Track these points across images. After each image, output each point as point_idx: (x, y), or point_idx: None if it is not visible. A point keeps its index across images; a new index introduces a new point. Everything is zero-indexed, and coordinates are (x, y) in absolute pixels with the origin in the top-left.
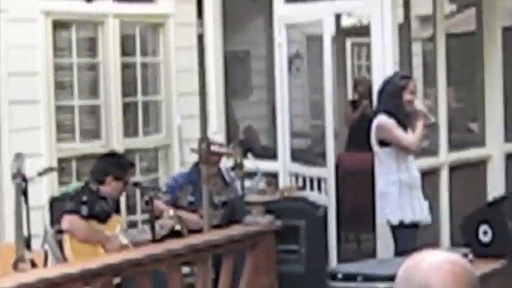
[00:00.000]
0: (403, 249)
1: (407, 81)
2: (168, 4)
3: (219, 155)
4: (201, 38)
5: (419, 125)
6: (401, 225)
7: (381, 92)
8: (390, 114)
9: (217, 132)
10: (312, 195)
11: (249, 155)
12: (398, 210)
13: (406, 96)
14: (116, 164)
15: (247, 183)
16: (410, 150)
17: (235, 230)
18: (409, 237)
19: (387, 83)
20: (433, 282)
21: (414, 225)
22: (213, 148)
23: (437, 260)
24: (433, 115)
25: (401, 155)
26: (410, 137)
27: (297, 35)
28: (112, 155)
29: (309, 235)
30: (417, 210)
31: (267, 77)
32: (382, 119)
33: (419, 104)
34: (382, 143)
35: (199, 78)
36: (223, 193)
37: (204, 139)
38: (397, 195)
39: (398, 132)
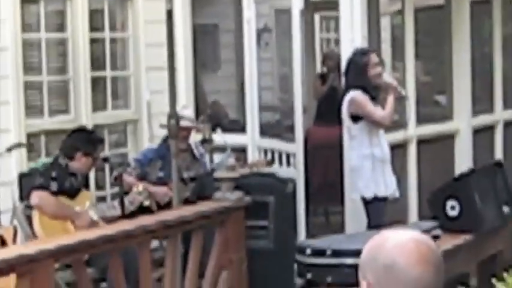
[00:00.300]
0: (376, 223)
1: (368, 57)
2: None
3: (189, 129)
4: (170, 13)
5: (390, 98)
6: (375, 199)
7: (347, 72)
8: (362, 89)
9: (186, 106)
10: (281, 170)
11: (218, 129)
12: (372, 184)
13: (371, 71)
14: (85, 140)
15: (217, 158)
16: (383, 124)
17: (206, 206)
18: (382, 211)
19: (350, 62)
20: (398, 260)
21: (385, 199)
22: (183, 123)
23: (402, 239)
24: (402, 88)
25: (374, 130)
26: (382, 111)
27: (265, 9)
28: (82, 130)
29: (278, 211)
30: (389, 184)
31: (235, 51)
32: (354, 94)
33: (388, 77)
34: (355, 118)
35: (168, 53)
36: (192, 168)
37: (173, 114)
38: (371, 169)
39: (370, 107)
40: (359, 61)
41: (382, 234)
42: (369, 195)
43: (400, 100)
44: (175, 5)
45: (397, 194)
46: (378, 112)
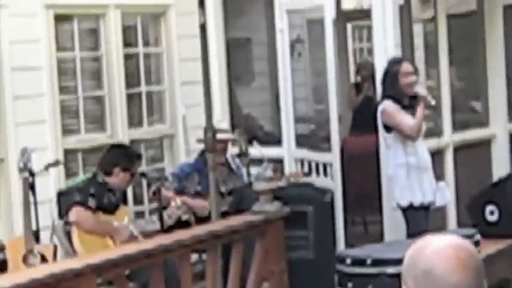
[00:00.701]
0: (415, 231)
1: (398, 66)
2: None
3: (226, 142)
4: (203, 27)
5: (419, 109)
6: (411, 207)
7: (383, 81)
8: (394, 99)
9: (221, 120)
10: (318, 181)
11: (254, 142)
12: (408, 193)
13: (403, 80)
14: (123, 155)
15: (254, 170)
16: (411, 135)
17: (238, 220)
18: (421, 219)
19: (385, 72)
20: (436, 266)
21: (425, 208)
22: (220, 135)
23: (441, 245)
24: (434, 97)
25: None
26: (410, 122)
27: (297, 20)
28: (119, 146)
29: (317, 220)
30: (427, 192)
31: (268, 63)
32: (385, 104)
33: (419, 87)
34: (387, 128)
35: (203, 67)
36: (229, 181)
37: (209, 128)
38: (406, 177)
39: (399, 117)
40: (391, 70)
41: (423, 240)
42: (404, 203)
43: (433, 108)
44: (208, 19)
45: (442, 202)
46: (406, 123)
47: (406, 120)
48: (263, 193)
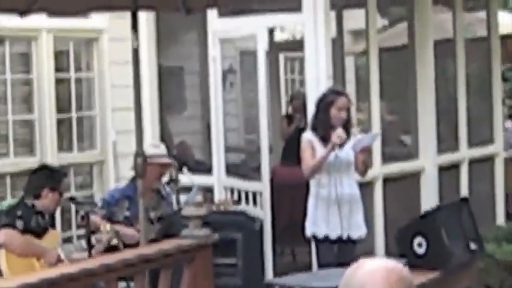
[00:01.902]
0: (322, 262)
1: (335, 97)
2: (102, 19)
3: (168, 166)
4: (136, 52)
5: (325, 152)
6: (315, 238)
7: (316, 106)
8: (315, 129)
9: (158, 145)
10: (248, 209)
11: (185, 169)
12: (311, 224)
13: (333, 112)
14: (49, 176)
15: (183, 197)
16: (304, 174)
17: (169, 244)
18: (326, 252)
19: (320, 97)
20: (367, 286)
21: (336, 241)
22: (162, 160)
23: (373, 267)
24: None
25: (324, 170)
26: (309, 163)
27: (230, 50)
28: (43, 167)
29: (246, 248)
30: (333, 226)
31: (200, 92)
32: (305, 134)
33: (335, 135)
34: None
35: (135, 92)
36: (159, 208)
37: (140, 154)
38: (314, 208)
39: (305, 153)
40: (326, 98)
41: (358, 262)
42: (308, 233)
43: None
44: (141, 45)
45: (357, 235)
46: (306, 161)
47: (307, 159)
48: (192, 218)
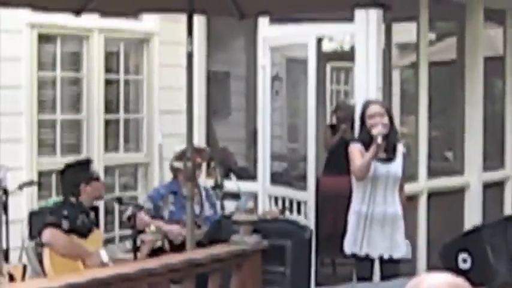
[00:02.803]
0: (361, 279)
1: (365, 107)
2: (153, 22)
3: (202, 153)
4: (190, 56)
5: (371, 149)
6: (354, 256)
7: (353, 124)
8: (358, 141)
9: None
10: (292, 218)
11: (231, 175)
12: (352, 242)
13: (367, 121)
14: (77, 171)
15: (228, 203)
16: (355, 175)
17: (220, 249)
18: (367, 269)
19: (360, 114)
20: None
21: (369, 259)
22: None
23: (435, 282)
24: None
25: (369, 187)
26: (358, 162)
27: (277, 58)
28: (68, 166)
29: (295, 256)
30: (375, 245)
31: (246, 98)
32: (351, 145)
33: (377, 129)
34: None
35: (187, 96)
36: (202, 210)
37: (190, 158)
38: (355, 226)
39: (353, 157)
40: (361, 113)
41: (418, 277)
42: (348, 251)
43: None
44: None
45: (399, 255)
46: (355, 162)
47: (356, 160)
48: (243, 224)
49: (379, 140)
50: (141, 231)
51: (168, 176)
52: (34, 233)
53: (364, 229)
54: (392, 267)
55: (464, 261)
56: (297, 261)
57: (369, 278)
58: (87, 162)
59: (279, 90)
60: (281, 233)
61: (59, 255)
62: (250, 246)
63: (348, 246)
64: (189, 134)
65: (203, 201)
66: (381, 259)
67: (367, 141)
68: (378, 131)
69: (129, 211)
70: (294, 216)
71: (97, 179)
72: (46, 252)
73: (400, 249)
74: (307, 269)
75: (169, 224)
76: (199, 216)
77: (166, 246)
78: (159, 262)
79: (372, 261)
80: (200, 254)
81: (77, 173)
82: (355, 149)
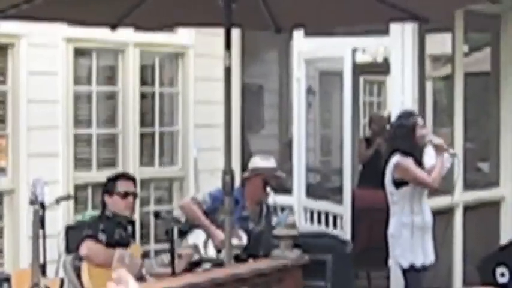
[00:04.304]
0: None
1: (415, 118)
2: (189, 35)
3: (276, 178)
4: (228, 70)
5: (439, 160)
6: (412, 268)
7: (395, 136)
8: (407, 154)
9: (268, 157)
10: (333, 233)
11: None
12: (410, 254)
13: (419, 132)
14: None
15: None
16: (433, 187)
17: (263, 264)
18: (420, 280)
19: (397, 126)
20: None
21: (424, 268)
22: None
23: None
24: (450, 148)
25: (417, 197)
26: (432, 175)
27: (310, 70)
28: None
29: (335, 271)
30: (428, 253)
31: (279, 111)
32: (399, 158)
33: (436, 138)
34: (398, 184)
35: (225, 111)
36: (259, 222)
37: (228, 172)
38: (410, 238)
39: (417, 170)
40: (407, 123)
41: None
42: (405, 264)
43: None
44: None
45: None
46: (426, 175)
47: (423, 172)
48: (284, 239)
49: (451, 150)
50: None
51: (203, 189)
52: (71, 246)
53: (419, 239)
54: (426, 275)
55: (502, 275)
56: (337, 276)
57: None
58: (111, 179)
59: (312, 103)
60: (322, 248)
61: (97, 267)
62: (291, 260)
63: (405, 259)
64: (227, 148)
65: (260, 219)
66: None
67: (414, 152)
68: (437, 139)
69: (167, 226)
70: (330, 230)
71: (123, 194)
72: (84, 266)
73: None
74: (348, 283)
75: (217, 229)
76: (251, 232)
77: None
78: (204, 277)
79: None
80: (243, 268)
81: (104, 186)
82: (410, 163)
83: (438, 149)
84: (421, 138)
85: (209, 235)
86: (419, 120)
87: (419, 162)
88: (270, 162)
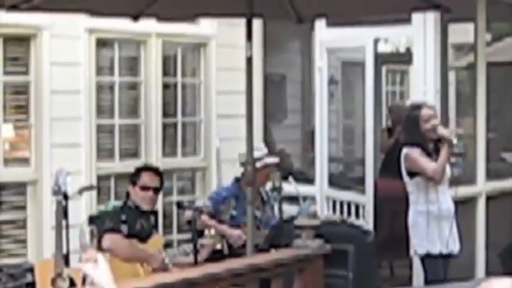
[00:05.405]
0: (432, 280)
1: (418, 111)
2: (210, 26)
3: (272, 166)
4: (249, 60)
5: (443, 151)
6: (429, 256)
7: (404, 128)
8: (414, 145)
9: (260, 147)
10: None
11: (290, 178)
12: (426, 242)
13: (424, 126)
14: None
15: (286, 207)
16: (434, 178)
17: (283, 254)
18: (439, 268)
19: (406, 118)
20: None
21: (444, 256)
22: (268, 160)
23: (501, 287)
24: (455, 137)
25: (432, 186)
26: (433, 166)
27: (333, 61)
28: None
29: (357, 260)
30: (448, 242)
31: (302, 101)
32: (407, 150)
33: (442, 129)
34: (411, 174)
35: (247, 101)
36: (263, 211)
37: (250, 162)
38: (425, 226)
39: (422, 161)
40: (411, 116)
41: (486, 283)
42: (421, 252)
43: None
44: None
45: (455, 251)
46: (430, 166)
47: (428, 163)
48: (305, 229)
49: (455, 140)
50: (201, 233)
51: (226, 180)
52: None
53: (436, 227)
54: (449, 263)
55: None
56: (359, 265)
57: (442, 277)
58: (141, 169)
59: (334, 93)
60: (344, 237)
61: (120, 260)
62: (312, 250)
63: (422, 247)
64: (249, 138)
65: (264, 205)
66: (447, 255)
67: (423, 144)
68: (449, 132)
69: (189, 215)
70: (352, 220)
71: (144, 187)
72: (106, 258)
73: (457, 244)
74: (370, 272)
75: (229, 228)
76: (261, 220)
77: (226, 249)
78: (222, 267)
79: (445, 258)
80: (263, 258)
81: (133, 173)
82: (417, 154)
83: (443, 140)
84: (428, 132)
85: (223, 236)
86: (424, 113)
87: (429, 153)
88: (262, 151)
